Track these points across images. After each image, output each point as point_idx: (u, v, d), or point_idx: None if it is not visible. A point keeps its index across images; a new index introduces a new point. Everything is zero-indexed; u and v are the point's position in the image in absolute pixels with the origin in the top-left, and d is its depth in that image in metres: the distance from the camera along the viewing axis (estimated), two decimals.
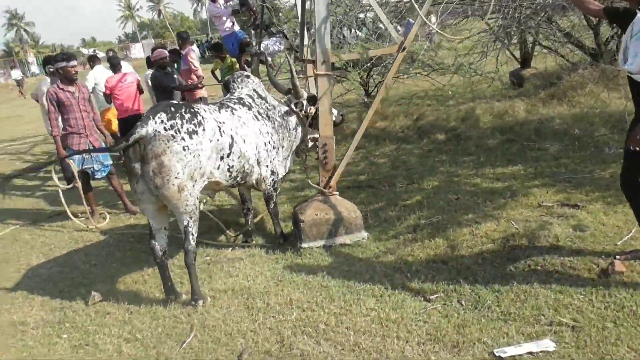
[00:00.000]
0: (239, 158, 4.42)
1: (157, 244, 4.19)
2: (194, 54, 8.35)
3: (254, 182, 4.93)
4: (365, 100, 10.04)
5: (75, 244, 5.77)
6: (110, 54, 9.07)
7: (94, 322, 4.10)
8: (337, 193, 5.25)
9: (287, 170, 5.45)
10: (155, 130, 3.82)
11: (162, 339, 3.75)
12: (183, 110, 4.02)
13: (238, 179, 4.56)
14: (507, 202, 5.32)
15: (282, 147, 5.14)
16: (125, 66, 8.44)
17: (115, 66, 8.01)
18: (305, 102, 5.25)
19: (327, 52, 5.05)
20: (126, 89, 7.74)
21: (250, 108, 4.81)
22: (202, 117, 4.09)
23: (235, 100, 4.81)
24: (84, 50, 51.87)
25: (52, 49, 79.11)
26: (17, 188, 8.62)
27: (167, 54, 7.77)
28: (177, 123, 3.90)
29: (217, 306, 4.11)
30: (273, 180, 5.01)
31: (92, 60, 9.04)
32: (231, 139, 4.33)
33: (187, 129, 3.93)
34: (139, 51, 63.55)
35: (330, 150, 5.19)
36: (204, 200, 6.55)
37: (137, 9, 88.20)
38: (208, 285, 4.49)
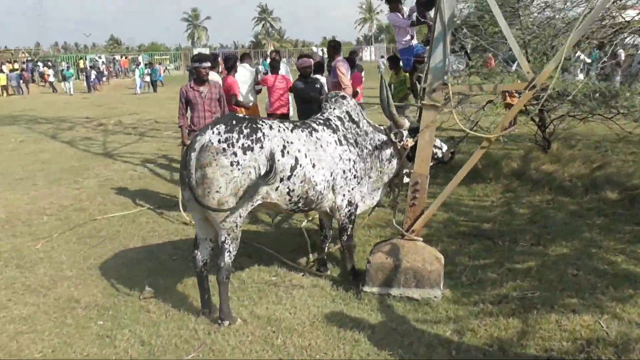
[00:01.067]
0: (301, 182, 4.35)
1: (199, 253, 4.36)
2: (343, 66, 8.40)
3: (327, 209, 4.82)
4: (538, 137, 9.05)
5: (174, 236, 6.30)
6: (275, 56, 9.77)
7: (132, 317, 4.43)
8: (421, 239, 4.87)
9: (375, 202, 5.22)
10: (210, 141, 3.97)
11: (169, 349, 3.91)
12: (244, 124, 4.10)
13: (300, 204, 4.49)
14: (635, 294, 4.36)
15: (369, 177, 4.93)
16: (283, 68, 9.08)
17: (275, 68, 8.73)
18: (405, 133, 4.96)
19: (438, 80, 4.70)
20: (278, 89, 8.42)
21: (335, 131, 4.70)
22: (264, 134, 4.12)
23: (321, 121, 4.75)
24: (314, 48, 56.22)
25: (294, 44, 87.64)
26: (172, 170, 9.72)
27: (312, 63, 7.99)
28: (232, 137, 3.98)
29: (239, 332, 4.12)
30: (349, 211, 4.83)
31: (242, 58, 9.82)
32: (295, 160, 4.28)
33: (242, 144, 3.99)
34: (369, 54, 66.78)
35: (421, 190, 4.82)
36: (310, 218, 6.62)
37: (378, 12, 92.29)
38: (251, 307, 4.52)
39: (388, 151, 4.99)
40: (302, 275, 5.16)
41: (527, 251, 5.45)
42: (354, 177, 4.75)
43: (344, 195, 4.74)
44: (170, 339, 4.04)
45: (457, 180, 4.87)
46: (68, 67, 36.89)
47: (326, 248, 5.30)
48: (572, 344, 3.67)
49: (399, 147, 4.96)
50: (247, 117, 4.27)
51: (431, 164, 5.28)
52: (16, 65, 39.83)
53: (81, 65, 41.21)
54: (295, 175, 4.30)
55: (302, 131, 4.49)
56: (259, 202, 4.25)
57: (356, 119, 4.89)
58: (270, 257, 5.47)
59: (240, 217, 4.11)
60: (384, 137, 4.99)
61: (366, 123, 4.98)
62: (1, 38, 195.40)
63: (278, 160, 4.15)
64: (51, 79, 34.11)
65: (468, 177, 7.90)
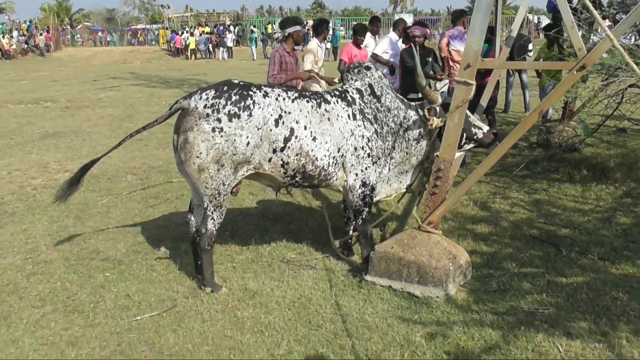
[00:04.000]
0: (297, 155, 4.58)
1: (193, 218, 4.86)
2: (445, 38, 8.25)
3: (340, 188, 5.00)
4: None
5: (238, 205, 6.83)
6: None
7: (136, 273, 5.08)
8: (440, 232, 4.84)
9: (403, 187, 5.27)
10: (195, 106, 4.42)
11: (142, 305, 4.49)
12: (235, 90, 4.44)
13: (297, 179, 4.74)
14: None
15: (390, 157, 5.01)
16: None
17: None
18: (438, 109, 4.92)
19: (475, 54, 4.61)
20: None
21: (350, 104, 4.85)
22: (254, 102, 4.44)
23: (337, 93, 4.93)
24: (530, 16, 53.21)
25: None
26: None
27: (425, 33, 7.97)
28: (219, 103, 4.36)
29: (214, 300, 4.54)
30: (362, 192, 4.95)
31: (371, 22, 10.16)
32: (290, 132, 4.53)
33: (229, 111, 4.35)
34: None
35: (444, 177, 4.77)
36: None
37: None
38: (247, 280, 4.90)
39: (417, 130, 5.01)
40: (326, 256, 5.42)
41: (587, 265, 5.04)
42: (368, 156, 4.86)
43: (356, 174, 4.89)
44: (150, 297, 4.62)
45: (483, 169, 4.74)
46: (252, 31, 39.97)
47: (350, 231, 5.44)
48: None
49: (429, 126, 4.94)
50: (243, 83, 4.60)
51: (471, 146, 5.23)
52: (207, 29, 44.02)
53: (269, 30, 43.72)
54: (289, 148, 4.55)
55: (308, 102, 4.70)
56: (252, 171, 4.61)
57: (378, 93, 4.96)
58: (301, 235, 5.82)
59: (224, 184, 4.48)
60: (413, 115, 5.01)
61: (391, 98, 5.03)
62: (211, 1, 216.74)
63: (270, 130, 4.47)
64: (229, 43, 37.27)
65: (592, 174, 7.44)
